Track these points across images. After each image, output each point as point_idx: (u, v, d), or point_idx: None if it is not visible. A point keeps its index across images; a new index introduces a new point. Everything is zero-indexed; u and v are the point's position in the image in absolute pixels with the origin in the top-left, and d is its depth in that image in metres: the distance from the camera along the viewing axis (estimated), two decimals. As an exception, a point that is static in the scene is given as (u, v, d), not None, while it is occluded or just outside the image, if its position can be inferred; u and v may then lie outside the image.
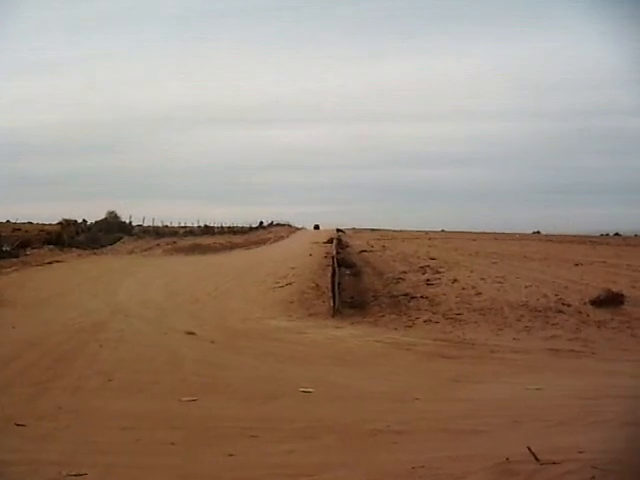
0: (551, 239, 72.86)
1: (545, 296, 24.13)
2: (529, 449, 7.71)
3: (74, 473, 7.70)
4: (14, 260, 35.62)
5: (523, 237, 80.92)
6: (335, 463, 8.16)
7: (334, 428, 9.92)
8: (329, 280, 26.92)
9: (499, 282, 27.41)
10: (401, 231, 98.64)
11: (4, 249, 37.95)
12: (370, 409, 11.25)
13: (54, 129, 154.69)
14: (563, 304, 22.84)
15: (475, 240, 66.89)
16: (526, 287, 26.05)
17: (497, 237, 77.11)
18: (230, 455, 8.60)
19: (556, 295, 24.25)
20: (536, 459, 7.50)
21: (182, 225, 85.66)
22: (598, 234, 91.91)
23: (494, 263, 36.42)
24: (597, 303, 22.48)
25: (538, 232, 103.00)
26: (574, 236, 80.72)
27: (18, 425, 9.85)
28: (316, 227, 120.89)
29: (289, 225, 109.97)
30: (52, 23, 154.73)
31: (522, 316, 21.47)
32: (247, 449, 8.92)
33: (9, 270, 32.08)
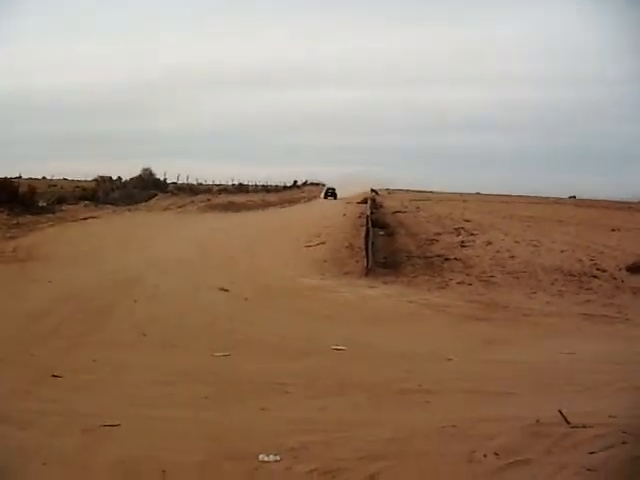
0: (588, 204, 72.07)
1: (580, 261, 23.98)
2: (560, 412, 7.70)
3: (108, 424, 7.82)
4: (50, 216, 35.91)
5: (558, 201, 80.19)
6: (366, 420, 8.21)
7: (366, 386, 9.97)
8: (362, 240, 26.93)
9: (533, 245, 27.27)
10: (435, 193, 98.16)
11: (40, 205, 38.28)
12: (402, 368, 11.29)
13: (91, 90, 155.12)
14: (598, 269, 22.69)
15: (510, 203, 66.42)
16: (561, 251, 25.91)
17: (532, 201, 76.47)
18: (262, 410, 8.68)
19: (591, 260, 24.10)
20: (567, 422, 7.50)
21: (216, 183, 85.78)
22: (637, 200, 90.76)
23: (529, 226, 36.23)
24: (633, 269, 22.33)
25: (574, 197, 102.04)
26: (612, 202, 79.80)
27: (54, 376, 10.02)
28: (329, 194, 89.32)
29: (322, 185, 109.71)
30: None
31: (556, 280, 21.37)
32: (279, 404, 9.00)
33: (45, 225, 32.35)
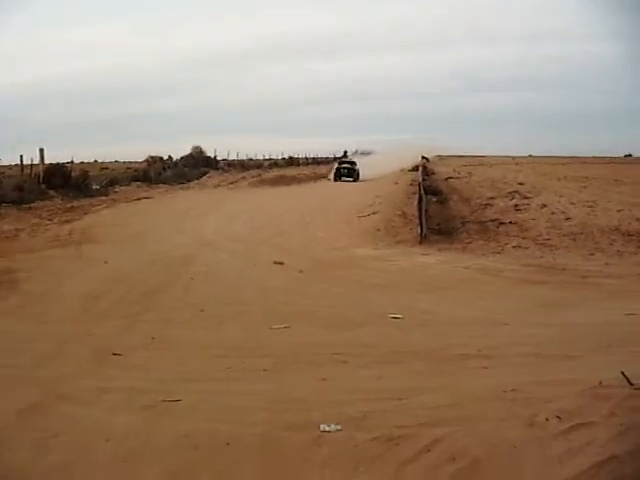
0: (642, 161, 70.68)
1: (638, 220, 23.55)
2: (622, 374, 7.57)
3: (169, 399, 7.90)
4: (103, 198, 36.32)
5: (613, 160, 78.75)
6: (424, 387, 8.17)
7: (423, 353, 9.94)
8: (415, 207, 26.75)
9: (589, 206, 26.85)
10: (488, 157, 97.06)
11: (94, 187, 38.72)
12: (459, 334, 11.23)
13: (138, 72, 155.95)
14: (657, 228, 22.29)
15: (564, 164, 65.40)
16: (618, 211, 25.46)
17: (586, 161, 75.24)
18: (321, 380, 8.70)
19: (650, 219, 23.68)
20: (630, 383, 7.36)
21: (267, 158, 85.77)
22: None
23: (584, 187, 35.62)
24: (693, 226, 21.88)
25: (630, 155, 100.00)
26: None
27: (115, 354, 10.15)
28: (344, 173, 54.44)
29: (368, 153, 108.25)
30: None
31: (614, 240, 21.05)
32: (337, 374, 9.01)
33: (99, 207, 32.71)
